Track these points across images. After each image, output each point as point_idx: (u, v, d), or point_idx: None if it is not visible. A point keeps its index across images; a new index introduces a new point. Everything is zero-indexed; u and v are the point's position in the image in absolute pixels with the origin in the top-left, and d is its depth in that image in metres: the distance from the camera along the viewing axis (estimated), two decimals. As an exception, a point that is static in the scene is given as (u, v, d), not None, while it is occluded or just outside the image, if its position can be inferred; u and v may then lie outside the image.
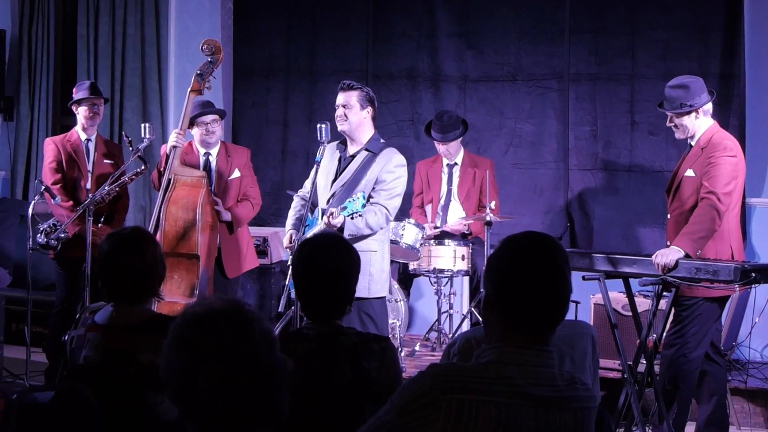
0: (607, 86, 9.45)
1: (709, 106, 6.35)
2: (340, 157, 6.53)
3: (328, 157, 6.59)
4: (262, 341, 2.40)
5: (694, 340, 6.21)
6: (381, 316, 6.36)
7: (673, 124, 6.37)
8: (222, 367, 2.33)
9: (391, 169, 6.39)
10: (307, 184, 6.80)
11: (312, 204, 6.65)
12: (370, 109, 6.49)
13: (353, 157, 6.47)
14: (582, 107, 9.53)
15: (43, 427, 3.75)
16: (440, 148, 9.02)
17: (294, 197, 6.91)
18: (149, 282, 4.25)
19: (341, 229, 6.14)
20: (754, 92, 8.75)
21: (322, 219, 6.30)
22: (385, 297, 6.48)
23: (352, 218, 6.09)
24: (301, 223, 6.53)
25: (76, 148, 7.96)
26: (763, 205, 8.82)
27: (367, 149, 6.45)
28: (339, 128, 6.46)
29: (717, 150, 6.18)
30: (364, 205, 6.03)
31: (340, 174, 6.46)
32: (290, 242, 6.52)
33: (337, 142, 6.60)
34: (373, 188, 6.35)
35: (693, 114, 6.27)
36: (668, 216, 6.45)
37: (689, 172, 6.27)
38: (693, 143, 6.37)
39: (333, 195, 6.40)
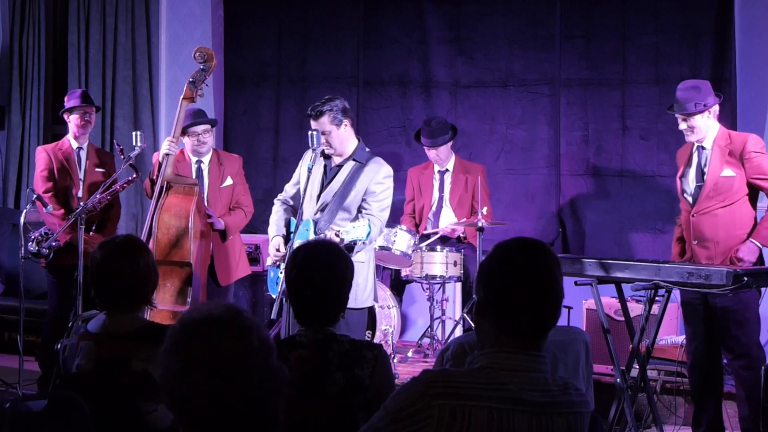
0: (598, 91, 9.47)
1: (717, 108, 6.49)
2: (325, 166, 6.50)
3: (308, 163, 6.57)
4: (260, 349, 2.39)
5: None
6: (358, 325, 6.32)
7: (686, 126, 6.45)
8: (218, 374, 2.32)
9: (381, 180, 6.39)
10: (289, 189, 6.79)
11: (294, 209, 6.66)
12: (346, 121, 6.44)
13: (339, 166, 6.45)
14: (573, 112, 9.54)
15: (36, 436, 3.74)
16: (430, 153, 9.01)
17: (275, 201, 6.86)
18: (142, 290, 4.24)
19: (350, 248, 6.12)
20: (745, 96, 8.76)
21: (314, 232, 6.29)
22: (366, 309, 6.46)
23: (355, 244, 6.09)
24: (287, 229, 6.55)
25: (67, 156, 7.95)
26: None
27: (354, 159, 6.44)
28: (327, 152, 6.43)
29: (757, 145, 6.44)
30: (368, 234, 6.02)
31: (328, 184, 6.43)
32: (278, 250, 6.50)
33: (311, 148, 6.53)
34: (364, 199, 6.35)
35: (705, 114, 6.39)
36: (692, 216, 6.53)
37: (728, 172, 6.42)
38: (705, 145, 6.50)
39: (325, 206, 6.38)
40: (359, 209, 6.34)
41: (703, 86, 6.45)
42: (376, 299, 6.71)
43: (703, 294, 6.24)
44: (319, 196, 6.40)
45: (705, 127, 6.44)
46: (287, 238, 6.55)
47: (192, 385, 2.33)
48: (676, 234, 6.86)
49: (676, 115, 6.52)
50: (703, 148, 6.51)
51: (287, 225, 6.64)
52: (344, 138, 6.43)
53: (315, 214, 6.37)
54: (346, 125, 6.42)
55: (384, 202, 6.40)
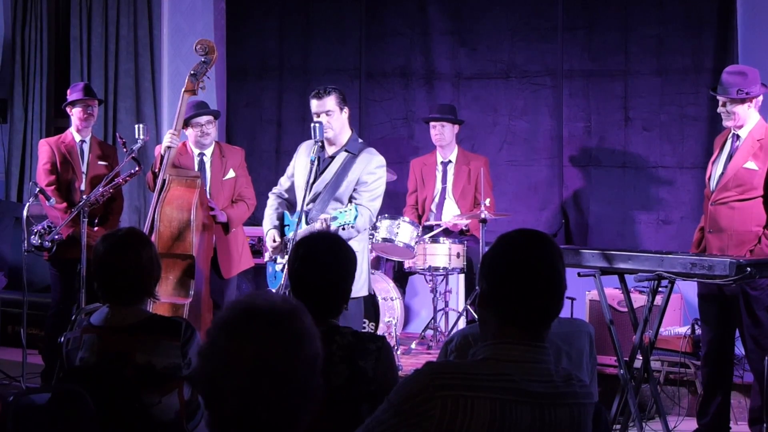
0: (600, 82, 9.46)
1: (761, 99, 6.41)
2: (319, 157, 6.48)
3: (303, 155, 6.57)
4: (306, 362, 2.35)
5: None
6: (356, 316, 6.30)
7: (724, 110, 6.38)
8: (254, 373, 2.27)
9: (372, 170, 6.37)
10: (284, 182, 6.77)
11: (289, 202, 6.66)
12: (346, 109, 6.47)
13: (332, 157, 6.44)
14: (576, 103, 9.54)
15: (39, 429, 3.74)
16: (434, 132, 9.03)
17: (270, 195, 6.85)
18: (145, 283, 4.25)
19: None
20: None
21: (306, 222, 6.27)
22: (361, 298, 6.45)
23: (343, 229, 6.06)
24: (280, 222, 6.56)
25: (70, 149, 7.95)
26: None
27: (346, 150, 6.43)
28: (325, 136, 6.41)
29: None
30: (356, 217, 6.01)
31: (320, 174, 6.41)
32: (274, 241, 6.50)
33: (314, 141, 6.54)
34: (355, 189, 6.35)
35: (747, 103, 6.31)
36: (711, 204, 6.50)
37: (750, 165, 6.35)
38: (741, 134, 6.43)
39: (317, 196, 6.37)
40: (350, 199, 6.33)
41: (751, 74, 6.34)
42: (370, 289, 6.71)
43: (719, 286, 6.23)
44: (311, 187, 6.38)
45: (744, 115, 6.35)
46: (282, 231, 6.56)
47: (226, 370, 2.30)
48: (701, 222, 6.79)
49: (718, 98, 6.44)
50: (738, 137, 6.43)
51: (281, 218, 6.64)
52: (343, 124, 6.44)
53: (307, 204, 6.35)
54: (346, 112, 6.45)
55: (375, 192, 6.38)
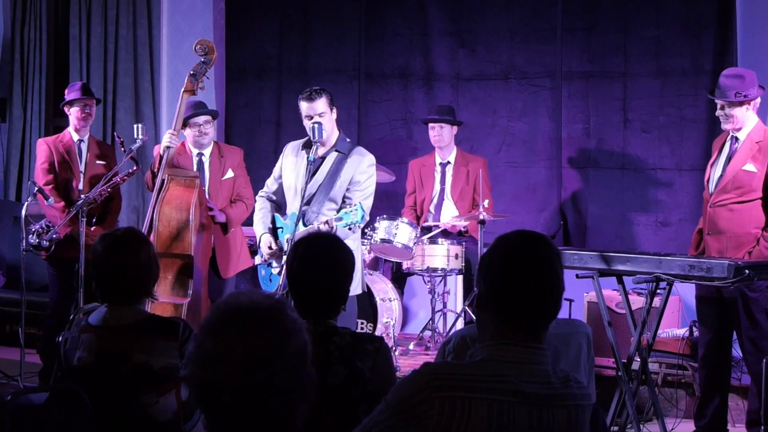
0: (599, 84, 9.46)
1: (759, 101, 6.42)
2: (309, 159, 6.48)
3: (291, 156, 6.59)
4: (294, 356, 2.36)
5: None
6: (350, 313, 6.30)
7: (723, 113, 6.39)
8: (244, 372, 2.27)
9: (364, 169, 6.42)
10: (271, 184, 6.78)
11: (277, 204, 6.67)
12: (335, 109, 6.51)
13: (323, 158, 6.46)
14: (575, 105, 9.54)
15: (37, 428, 3.75)
16: (433, 133, 9.03)
17: (257, 198, 6.86)
18: (143, 283, 4.24)
19: None
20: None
21: (303, 224, 6.27)
22: (355, 296, 6.44)
23: (350, 229, 6.07)
24: (273, 226, 6.56)
25: (68, 149, 7.95)
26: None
27: (337, 150, 6.45)
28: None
29: None
30: (362, 217, 6.02)
31: (312, 175, 6.40)
32: (270, 248, 6.50)
33: (302, 141, 6.57)
34: (348, 188, 6.38)
35: (745, 105, 6.32)
36: (709, 206, 6.49)
37: (749, 167, 6.35)
38: (739, 136, 6.43)
39: (311, 198, 6.37)
40: (344, 199, 6.36)
41: (748, 76, 6.35)
42: (364, 287, 6.72)
43: (718, 288, 6.23)
44: (304, 188, 6.37)
45: (742, 118, 6.35)
46: (274, 235, 6.57)
47: (216, 373, 2.30)
48: (699, 224, 6.80)
49: (716, 101, 6.45)
50: (737, 139, 6.44)
51: (272, 221, 6.64)
52: (333, 124, 6.47)
53: (301, 205, 6.35)
54: (335, 112, 6.49)
55: (367, 191, 6.42)
